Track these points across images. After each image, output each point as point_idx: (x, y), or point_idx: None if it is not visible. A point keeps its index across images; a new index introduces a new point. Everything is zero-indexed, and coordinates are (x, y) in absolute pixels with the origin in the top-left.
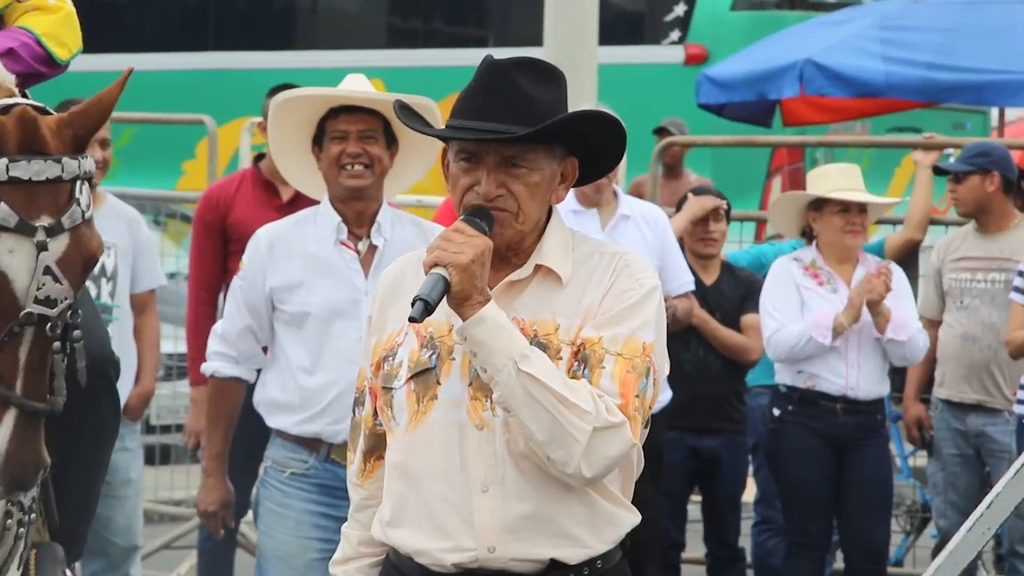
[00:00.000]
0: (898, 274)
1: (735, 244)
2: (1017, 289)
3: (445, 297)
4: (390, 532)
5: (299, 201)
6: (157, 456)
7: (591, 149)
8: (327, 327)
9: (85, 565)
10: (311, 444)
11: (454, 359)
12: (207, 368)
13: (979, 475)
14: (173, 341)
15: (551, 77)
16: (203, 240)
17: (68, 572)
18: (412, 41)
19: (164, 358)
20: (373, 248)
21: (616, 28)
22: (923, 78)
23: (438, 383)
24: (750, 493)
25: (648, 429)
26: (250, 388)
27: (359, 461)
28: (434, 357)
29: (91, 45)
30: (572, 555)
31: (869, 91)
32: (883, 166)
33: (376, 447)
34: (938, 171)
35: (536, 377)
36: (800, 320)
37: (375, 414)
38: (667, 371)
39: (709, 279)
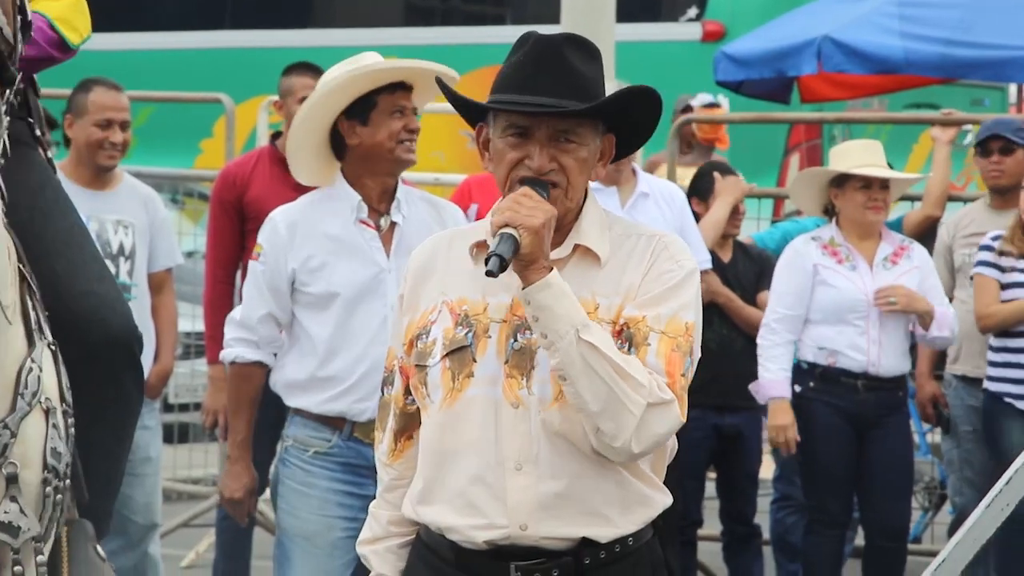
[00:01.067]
0: (922, 254)
1: (753, 221)
2: (982, 263)
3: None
4: (421, 509)
5: None
6: (176, 434)
7: (628, 126)
8: (354, 306)
9: (104, 543)
10: (334, 423)
11: (490, 336)
12: (227, 355)
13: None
14: (191, 320)
15: (594, 54)
16: (220, 219)
17: (98, 548)
18: (429, 19)
19: (182, 337)
20: (393, 225)
21: (633, 5)
22: (941, 54)
23: (474, 360)
24: (767, 470)
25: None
26: None
27: (389, 441)
28: (470, 335)
29: (110, 24)
30: (603, 534)
31: (887, 67)
32: (901, 143)
33: (407, 427)
34: (983, 144)
35: (596, 346)
36: (804, 304)
37: (406, 393)
38: (698, 355)
39: (724, 258)
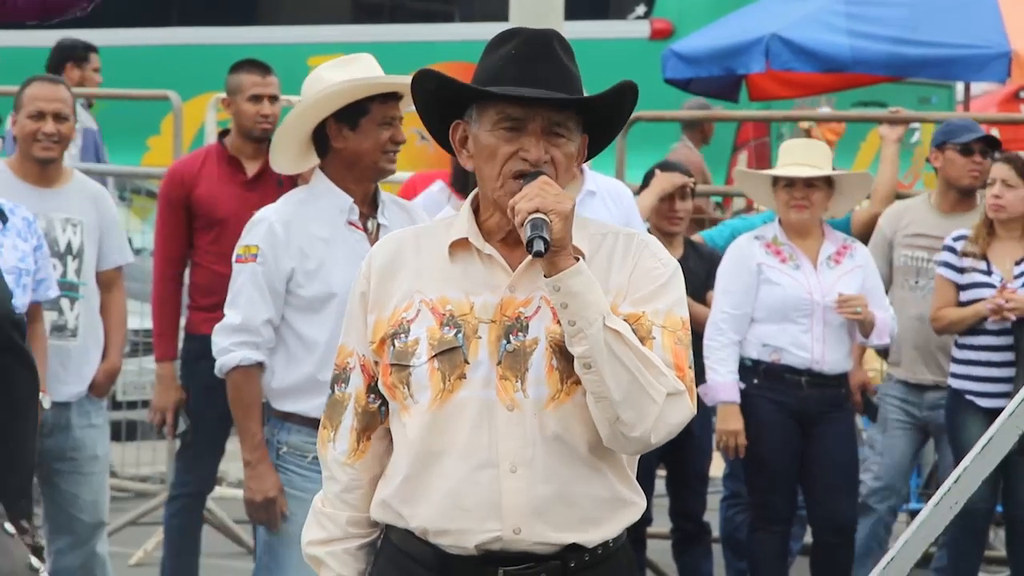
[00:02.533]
0: (864, 253)
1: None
2: (944, 264)
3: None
4: (405, 510)
5: (264, 176)
6: (123, 432)
7: (598, 127)
8: None
9: (51, 542)
10: None
11: (480, 337)
12: (231, 360)
13: (915, 445)
14: (139, 317)
15: (571, 52)
16: (168, 216)
17: (7, 525)
18: (377, 16)
19: (130, 334)
20: (379, 228)
21: (582, 3)
22: (889, 53)
23: (466, 362)
24: (717, 467)
25: None
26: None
27: (350, 440)
28: (460, 336)
29: (58, 21)
30: (591, 538)
31: (835, 66)
32: (849, 141)
33: (369, 426)
34: (966, 143)
35: (622, 334)
36: (750, 303)
37: (368, 391)
38: None
39: (674, 255)
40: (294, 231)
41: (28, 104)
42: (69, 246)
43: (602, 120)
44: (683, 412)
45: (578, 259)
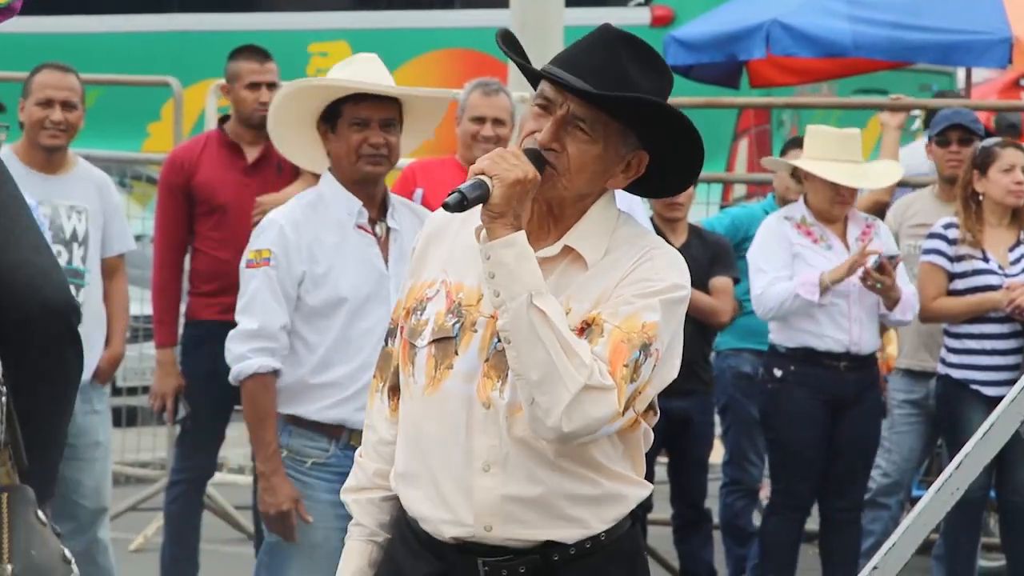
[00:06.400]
0: (886, 231)
1: (702, 206)
2: (932, 251)
3: (481, 207)
4: (401, 489)
5: (263, 163)
6: (124, 418)
7: (665, 153)
8: (359, 312)
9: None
10: (332, 431)
11: (476, 331)
12: (248, 367)
13: (924, 437)
14: (139, 303)
15: (656, 68)
16: (168, 203)
17: (40, 513)
18: (377, 3)
19: (131, 320)
20: (388, 231)
21: None
22: (889, 38)
23: (456, 353)
24: (717, 454)
25: (657, 415)
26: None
27: (387, 396)
28: (457, 326)
29: (58, 7)
30: (570, 535)
31: (835, 51)
32: (850, 127)
33: (399, 385)
34: (942, 133)
35: (547, 315)
36: (790, 276)
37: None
38: (675, 372)
39: (677, 242)
40: (303, 234)
41: (37, 91)
42: (74, 233)
43: (664, 147)
44: (606, 408)
45: (520, 229)
